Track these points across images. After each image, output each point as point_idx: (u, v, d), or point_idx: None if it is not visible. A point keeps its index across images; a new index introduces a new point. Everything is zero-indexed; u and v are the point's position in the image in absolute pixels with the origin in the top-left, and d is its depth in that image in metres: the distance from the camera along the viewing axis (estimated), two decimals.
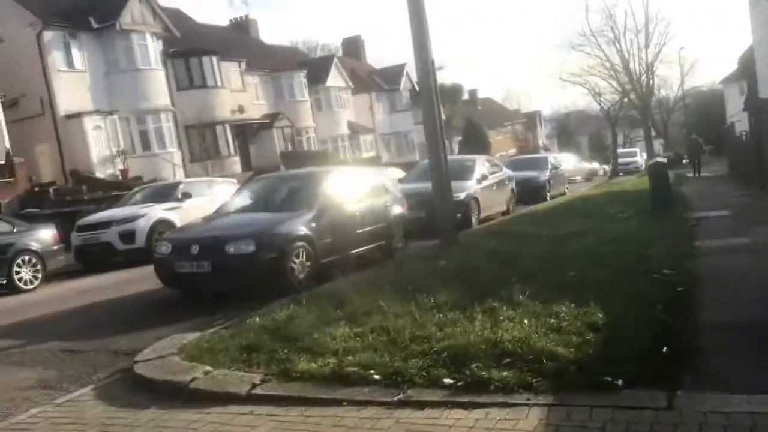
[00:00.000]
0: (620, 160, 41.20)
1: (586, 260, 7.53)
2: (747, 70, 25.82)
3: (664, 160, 12.52)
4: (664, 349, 4.10)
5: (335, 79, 40.91)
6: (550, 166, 21.31)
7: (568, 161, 47.84)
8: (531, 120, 73.16)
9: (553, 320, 4.84)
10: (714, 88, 50.58)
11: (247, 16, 41.15)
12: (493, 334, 4.57)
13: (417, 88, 51.72)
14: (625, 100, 35.84)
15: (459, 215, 11.83)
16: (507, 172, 16.85)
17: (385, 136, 48.04)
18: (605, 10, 36.54)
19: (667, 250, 8.20)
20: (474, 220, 13.62)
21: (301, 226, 8.32)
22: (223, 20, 63.85)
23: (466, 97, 65.42)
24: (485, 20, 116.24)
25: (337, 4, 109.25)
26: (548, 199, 19.87)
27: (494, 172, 15.76)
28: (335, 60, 41.77)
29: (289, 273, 7.89)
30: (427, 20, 9.95)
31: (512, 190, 16.69)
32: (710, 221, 11.08)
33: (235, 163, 30.00)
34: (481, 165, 15.22)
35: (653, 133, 45.21)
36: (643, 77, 34.55)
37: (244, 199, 10.13)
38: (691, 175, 27.50)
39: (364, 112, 46.09)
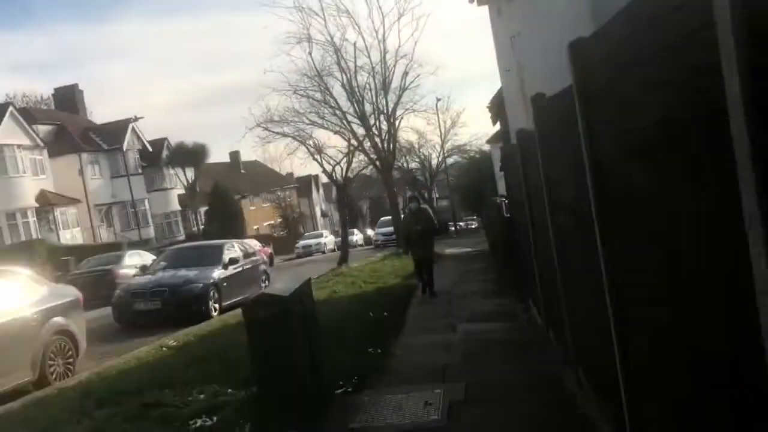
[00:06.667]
0: (381, 230, 35.01)
1: None
2: (503, 120, 20.74)
3: (284, 292, 5.03)
4: None
5: (12, 134, 30.65)
6: (225, 260, 13.67)
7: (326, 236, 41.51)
8: (305, 185, 65.77)
9: None
10: (482, 149, 47.57)
11: None
12: None
13: (149, 148, 42.81)
14: (357, 157, 27.32)
15: None
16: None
17: (101, 207, 37.94)
18: (329, 41, 27.26)
19: None
20: None
21: None
22: None
23: (225, 159, 57.17)
24: None
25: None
26: (213, 314, 12.39)
27: None
28: (11, 110, 31.35)
29: None
30: None
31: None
32: None
33: None
34: None
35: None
36: (384, 128, 27.38)
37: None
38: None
39: (72, 178, 35.87)
